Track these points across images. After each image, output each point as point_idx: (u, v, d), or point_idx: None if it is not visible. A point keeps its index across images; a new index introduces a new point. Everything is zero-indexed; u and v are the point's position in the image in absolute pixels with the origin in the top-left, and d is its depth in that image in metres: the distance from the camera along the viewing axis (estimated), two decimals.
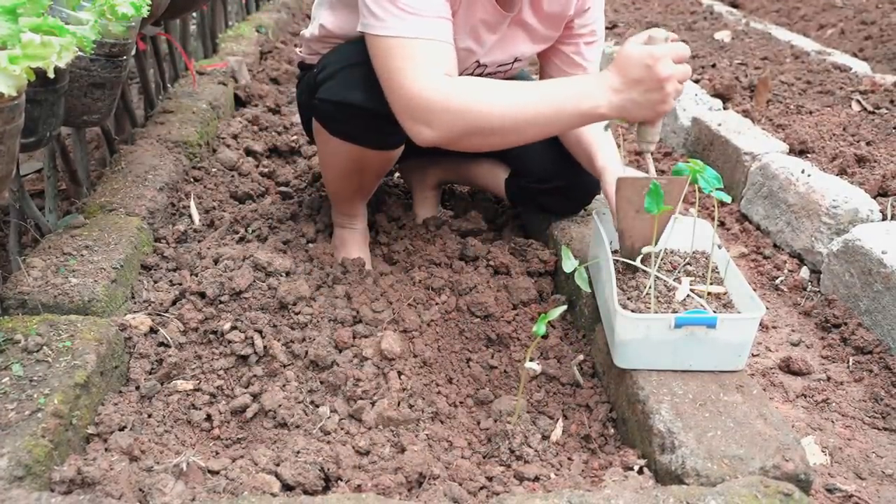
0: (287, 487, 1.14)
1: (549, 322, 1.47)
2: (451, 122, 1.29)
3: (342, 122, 1.53)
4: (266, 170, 2.29)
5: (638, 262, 1.50)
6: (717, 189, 1.33)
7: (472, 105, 1.28)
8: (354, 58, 1.47)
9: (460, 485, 1.18)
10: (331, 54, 1.56)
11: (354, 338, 1.47)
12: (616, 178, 1.36)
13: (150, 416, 1.28)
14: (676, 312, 1.31)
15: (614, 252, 1.53)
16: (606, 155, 1.56)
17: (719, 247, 1.51)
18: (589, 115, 1.30)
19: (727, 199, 1.36)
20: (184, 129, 2.19)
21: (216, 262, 1.65)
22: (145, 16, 1.53)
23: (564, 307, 1.35)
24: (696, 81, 3.16)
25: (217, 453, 1.27)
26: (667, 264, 1.50)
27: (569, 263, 1.31)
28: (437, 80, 1.30)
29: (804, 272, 2.00)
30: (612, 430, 1.36)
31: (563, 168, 1.75)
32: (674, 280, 1.44)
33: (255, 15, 3.93)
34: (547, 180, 1.79)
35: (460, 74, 1.61)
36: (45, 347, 1.22)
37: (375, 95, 1.44)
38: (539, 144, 1.79)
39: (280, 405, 1.33)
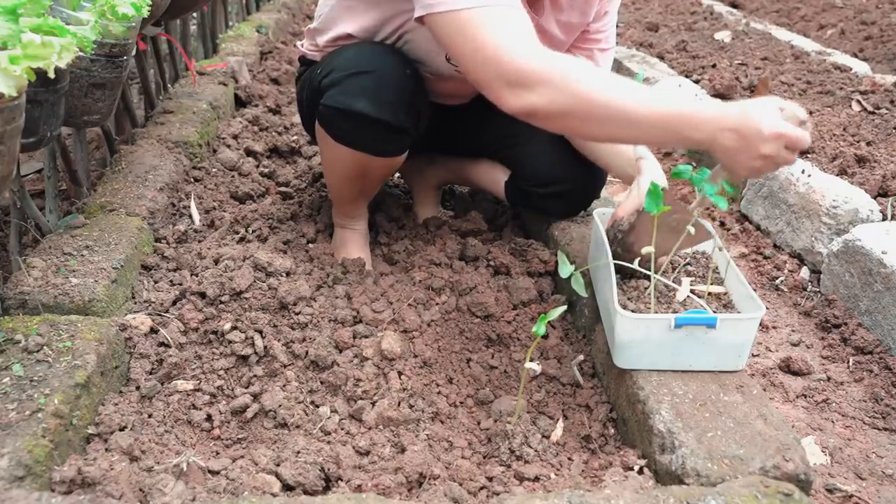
0: (287, 487, 1.14)
1: (549, 322, 1.47)
2: (552, 95, 1.21)
3: (346, 129, 1.53)
4: (266, 170, 2.29)
5: (636, 265, 1.50)
6: (716, 194, 1.33)
7: (580, 88, 1.21)
8: (359, 65, 1.47)
9: (460, 485, 1.18)
10: (335, 59, 1.54)
11: (355, 338, 1.47)
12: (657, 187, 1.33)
13: (150, 416, 1.28)
14: (676, 313, 1.31)
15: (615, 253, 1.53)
16: (641, 147, 1.56)
17: (720, 248, 1.51)
18: (689, 142, 1.26)
19: (723, 204, 1.37)
20: (184, 130, 2.19)
21: (216, 262, 1.65)
22: (145, 16, 1.53)
23: (564, 307, 1.35)
24: (697, 82, 3.16)
25: (217, 453, 1.27)
26: (667, 265, 1.50)
27: (565, 269, 1.31)
28: (536, 45, 1.23)
29: (804, 272, 2.00)
30: (612, 430, 1.36)
31: (563, 172, 1.75)
32: (674, 280, 1.44)
33: (255, 15, 3.93)
34: (546, 184, 1.79)
35: (441, 75, 1.60)
36: (45, 347, 1.22)
37: (380, 104, 1.44)
38: (539, 147, 1.79)
39: (280, 405, 1.33)
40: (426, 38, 1.47)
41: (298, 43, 1.83)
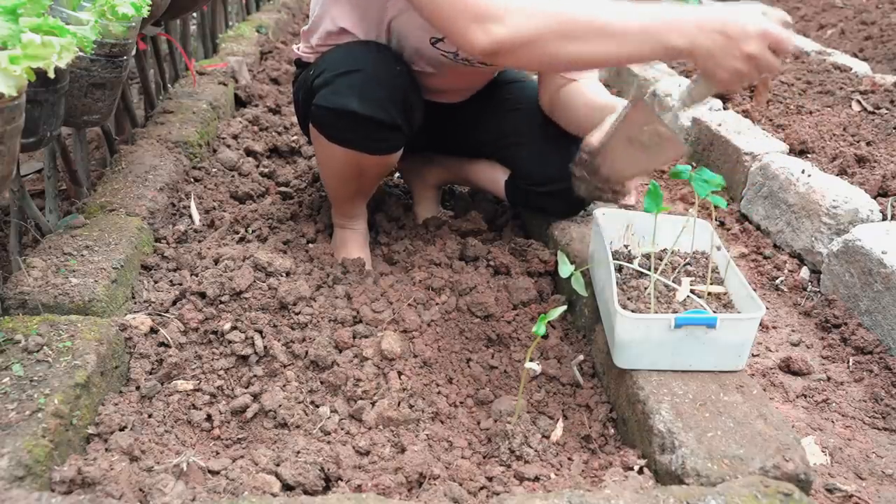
0: (287, 487, 1.14)
1: (549, 322, 1.47)
2: (525, 20, 1.18)
3: (339, 128, 1.53)
4: (266, 170, 2.29)
5: (636, 265, 1.50)
6: (712, 193, 1.33)
7: (547, 10, 1.19)
8: (349, 64, 1.47)
9: (460, 485, 1.18)
10: (326, 59, 1.55)
11: (354, 338, 1.47)
12: (635, 100, 1.29)
13: (150, 416, 1.28)
14: (676, 313, 1.31)
15: (615, 253, 1.53)
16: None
17: (718, 248, 1.51)
18: (671, 50, 1.21)
19: (723, 204, 1.37)
20: (184, 130, 2.19)
21: (216, 262, 1.65)
22: (145, 16, 1.53)
23: (564, 307, 1.34)
24: None
25: (217, 453, 1.27)
26: (666, 264, 1.50)
27: (565, 269, 1.31)
28: None
29: (804, 272, 2.00)
30: (612, 430, 1.36)
31: (560, 171, 1.75)
32: (674, 280, 1.44)
33: (255, 15, 3.93)
34: (546, 183, 1.79)
35: (432, 68, 1.60)
36: (45, 347, 1.22)
37: (371, 101, 1.44)
38: (538, 147, 1.79)
39: (280, 405, 1.33)
40: (413, 22, 1.48)
41: (294, 46, 1.83)
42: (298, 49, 1.78)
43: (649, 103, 1.27)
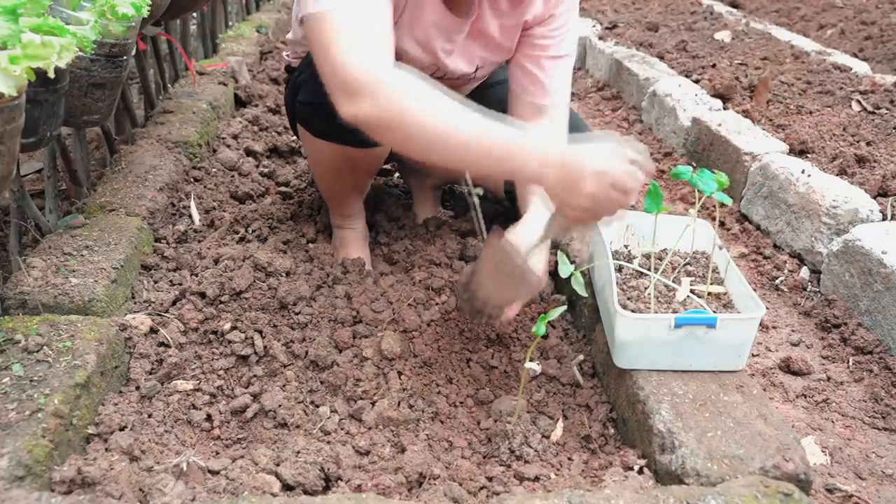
0: (287, 487, 1.14)
1: (549, 322, 1.47)
2: (377, 106, 1.16)
3: (321, 122, 1.53)
4: (266, 170, 2.29)
5: (636, 265, 1.50)
6: (717, 191, 1.33)
7: (403, 103, 1.16)
8: None
9: (460, 485, 1.18)
10: (310, 58, 1.55)
11: (354, 338, 1.47)
12: (491, 236, 1.29)
13: (150, 416, 1.28)
14: (676, 312, 1.31)
15: (615, 253, 1.54)
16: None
17: (720, 247, 1.51)
18: (517, 176, 1.19)
19: (728, 201, 1.36)
20: (184, 129, 2.19)
21: (216, 262, 1.65)
22: (145, 16, 1.53)
23: (564, 307, 1.34)
24: (697, 81, 3.16)
25: (217, 453, 1.27)
26: (666, 265, 1.50)
27: (565, 269, 1.31)
28: (378, 57, 1.19)
29: (804, 272, 2.00)
30: (612, 430, 1.36)
31: None
32: (674, 280, 1.44)
33: (255, 15, 3.93)
34: None
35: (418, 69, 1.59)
36: (45, 347, 1.22)
37: None
38: None
39: (280, 405, 1.33)
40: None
41: (284, 53, 1.83)
42: (287, 56, 1.79)
43: (504, 245, 1.27)
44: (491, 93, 1.76)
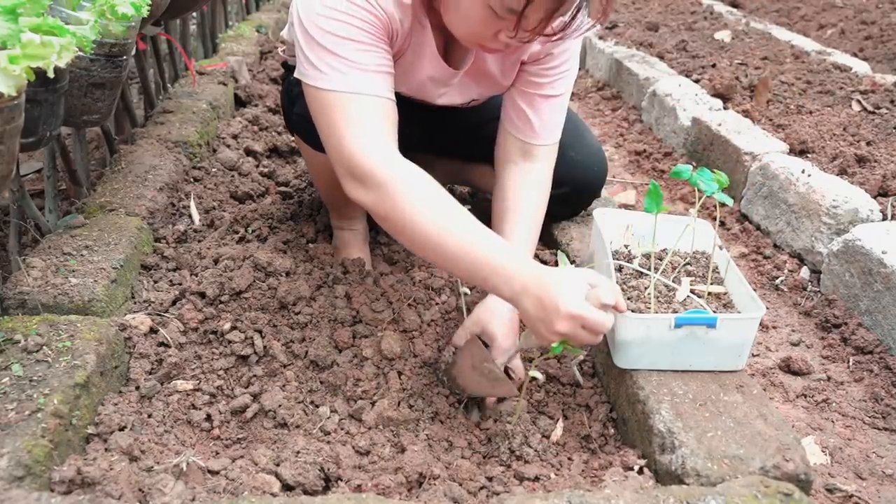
0: (287, 487, 1.14)
1: None
2: (377, 199, 1.23)
3: (315, 135, 1.53)
4: (266, 170, 2.29)
5: (636, 265, 1.50)
6: (718, 191, 1.33)
7: (402, 202, 1.22)
8: None
9: (460, 485, 1.18)
10: None
11: (354, 338, 1.47)
12: (470, 339, 1.36)
13: (150, 416, 1.28)
14: (676, 313, 1.31)
15: (615, 253, 1.53)
16: (516, 236, 1.48)
17: (720, 247, 1.50)
18: (495, 293, 1.23)
19: (728, 201, 1.36)
20: (184, 129, 2.19)
21: (216, 262, 1.65)
22: (145, 16, 1.53)
23: (583, 353, 1.32)
24: (697, 81, 3.16)
25: (217, 453, 1.26)
26: (666, 265, 1.50)
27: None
28: (385, 148, 1.25)
29: (804, 272, 2.00)
30: (612, 430, 1.36)
31: (563, 176, 1.74)
32: (674, 280, 1.44)
33: (255, 15, 3.93)
34: None
35: (412, 108, 1.57)
36: (44, 347, 1.22)
37: None
38: None
39: (280, 405, 1.33)
40: None
41: (280, 49, 1.82)
42: (283, 52, 1.78)
43: (482, 352, 1.34)
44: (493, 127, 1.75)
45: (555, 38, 1.25)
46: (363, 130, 1.24)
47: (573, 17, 1.21)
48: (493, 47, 1.28)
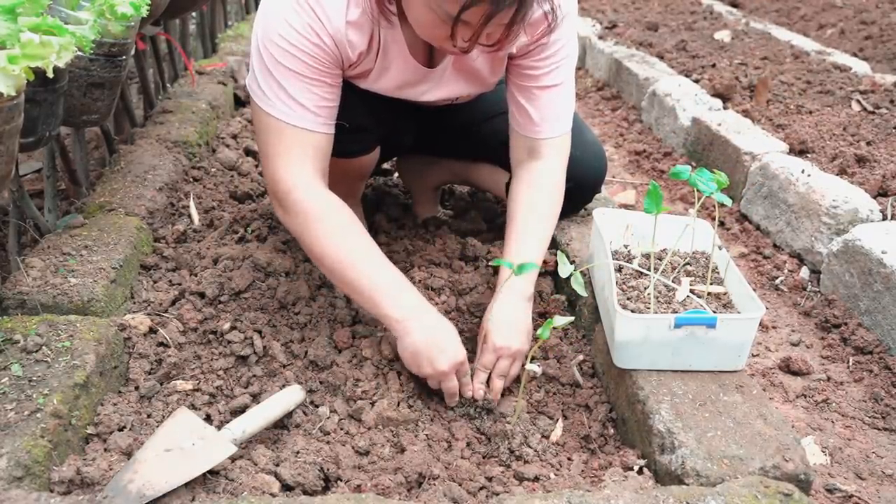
0: (287, 487, 1.14)
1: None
2: (297, 227, 1.39)
3: None
4: None
5: (636, 265, 1.50)
6: (717, 191, 1.32)
7: (318, 231, 1.36)
8: None
9: (460, 485, 1.18)
10: None
11: (354, 338, 1.47)
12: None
13: (149, 416, 1.28)
14: (676, 313, 1.31)
15: (615, 253, 1.53)
16: (520, 251, 1.49)
17: (720, 247, 1.50)
18: (381, 322, 1.39)
19: (728, 201, 1.36)
20: (183, 129, 2.19)
21: (216, 262, 1.65)
22: (145, 15, 1.53)
23: (571, 319, 1.32)
24: (696, 81, 3.16)
25: None
26: (666, 265, 1.50)
27: (564, 269, 1.30)
28: (305, 181, 1.37)
29: (804, 272, 2.00)
30: (611, 430, 1.36)
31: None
32: (674, 280, 1.44)
33: (254, 15, 3.92)
34: None
35: (398, 106, 1.58)
36: (44, 347, 1.22)
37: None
38: None
39: None
40: None
41: None
42: None
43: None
44: (494, 123, 1.74)
45: (493, 47, 1.25)
46: (291, 160, 1.37)
47: (515, 24, 1.18)
48: (454, 50, 1.27)
